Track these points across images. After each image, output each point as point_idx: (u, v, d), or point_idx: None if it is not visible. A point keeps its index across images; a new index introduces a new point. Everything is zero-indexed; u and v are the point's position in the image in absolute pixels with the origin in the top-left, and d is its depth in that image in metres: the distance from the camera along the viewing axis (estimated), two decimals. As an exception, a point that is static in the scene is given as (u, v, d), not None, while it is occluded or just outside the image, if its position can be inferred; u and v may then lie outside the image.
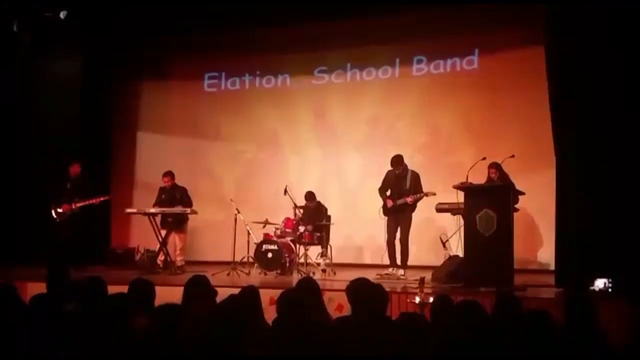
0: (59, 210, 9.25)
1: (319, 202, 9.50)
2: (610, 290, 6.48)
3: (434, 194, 8.24)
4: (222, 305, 3.84)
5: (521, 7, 9.07)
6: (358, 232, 10.43)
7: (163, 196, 9.44)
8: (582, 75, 7.04)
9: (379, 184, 8.65)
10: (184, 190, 9.47)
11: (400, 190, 8.36)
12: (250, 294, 3.99)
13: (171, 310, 3.43)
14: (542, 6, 7.61)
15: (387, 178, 8.59)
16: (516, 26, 9.59)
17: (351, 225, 10.35)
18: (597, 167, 6.93)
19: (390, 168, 8.51)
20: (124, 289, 4.28)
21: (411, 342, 3.08)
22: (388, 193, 8.50)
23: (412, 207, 8.38)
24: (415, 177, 8.40)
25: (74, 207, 9.25)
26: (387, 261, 8.52)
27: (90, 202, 9.31)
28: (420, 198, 8.29)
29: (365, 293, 3.81)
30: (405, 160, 8.53)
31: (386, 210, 8.46)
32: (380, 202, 8.52)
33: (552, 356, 3.23)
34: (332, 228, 9.42)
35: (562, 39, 7.23)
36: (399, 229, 8.37)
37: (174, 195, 9.37)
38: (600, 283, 6.54)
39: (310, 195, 9.48)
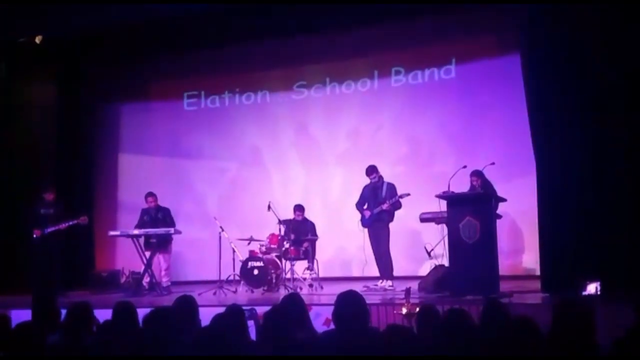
0: (33, 235, 8.99)
1: (305, 217, 9.49)
2: (599, 294, 6.44)
3: (408, 195, 8.29)
4: (209, 327, 3.81)
5: (495, 14, 9.18)
6: (344, 245, 10.41)
7: (145, 217, 9.39)
8: (559, 79, 7.12)
9: (362, 196, 8.68)
10: (167, 211, 9.45)
11: (376, 200, 8.43)
12: (235, 313, 3.97)
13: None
14: (517, 13, 7.69)
15: (363, 192, 8.68)
16: (491, 34, 9.72)
17: (337, 238, 10.33)
18: (577, 171, 6.99)
19: (367, 182, 8.57)
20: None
21: (398, 354, 3.07)
22: (365, 207, 8.55)
23: (390, 217, 8.41)
24: (391, 187, 8.48)
25: (44, 232, 8.95)
26: (371, 273, 8.50)
27: (59, 227, 8.94)
28: (396, 202, 8.33)
29: (344, 311, 3.73)
30: (387, 172, 8.55)
31: (365, 222, 8.50)
32: (362, 214, 8.57)
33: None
34: (318, 242, 9.40)
35: (538, 44, 7.31)
36: (379, 241, 8.40)
37: (157, 216, 9.32)
38: (591, 288, 6.51)
39: (299, 208, 9.47)
